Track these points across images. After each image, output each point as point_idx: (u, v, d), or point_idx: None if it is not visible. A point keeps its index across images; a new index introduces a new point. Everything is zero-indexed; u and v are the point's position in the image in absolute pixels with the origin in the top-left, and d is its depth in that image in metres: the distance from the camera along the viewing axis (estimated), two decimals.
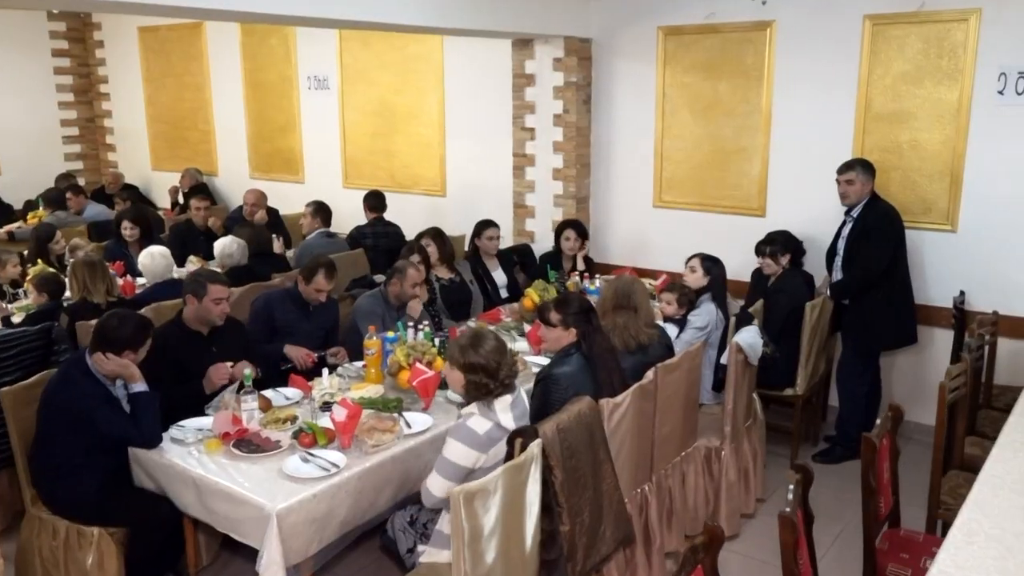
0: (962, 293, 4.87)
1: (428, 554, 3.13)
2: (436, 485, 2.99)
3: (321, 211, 6.41)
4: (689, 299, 4.53)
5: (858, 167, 4.75)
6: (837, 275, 4.89)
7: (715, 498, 4.15)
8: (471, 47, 6.72)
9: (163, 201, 9.13)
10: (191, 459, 3.24)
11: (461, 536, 2.59)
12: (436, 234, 5.55)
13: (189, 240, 6.74)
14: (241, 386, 3.58)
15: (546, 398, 3.40)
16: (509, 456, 2.97)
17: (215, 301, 3.92)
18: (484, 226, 5.82)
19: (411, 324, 4.21)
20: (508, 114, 6.48)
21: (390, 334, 4.09)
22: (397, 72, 7.25)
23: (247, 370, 3.53)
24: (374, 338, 4.00)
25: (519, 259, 6.16)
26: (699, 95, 5.79)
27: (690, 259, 4.77)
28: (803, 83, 5.37)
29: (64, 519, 3.40)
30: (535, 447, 2.87)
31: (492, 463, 3.01)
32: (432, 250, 5.31)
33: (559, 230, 5.98)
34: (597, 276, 5.58)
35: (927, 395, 5.19)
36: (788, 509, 2.48)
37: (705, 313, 4.47)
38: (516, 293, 5.95)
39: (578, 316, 3.53)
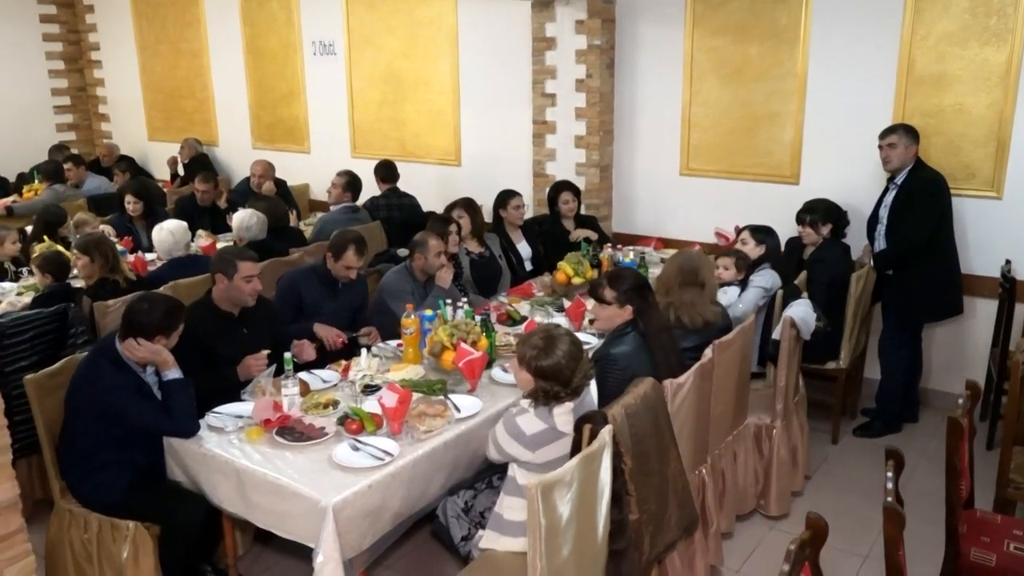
0: (1008, 262, 4.74)
1: (487, 539, 2.98)
2: (490, 448, 2.97)
3: (353, 185, 6.17)
4: (747, 264, 4.39)
5: (900, 131, 4.57)
6: (880, 244, 4.74)
7: (764, 477, 4.02)
8: (486, 9, 6.46)
9: (160, 173, 8.84)
10: (233, 449, 3.05)
11: (538, 530, 2.43)
12: (468, 204, 5.34)
13: (195, 214, 6.50)
14: (279, 370, 3.39)
15: (603, 380, 3.24)
16: (576, 443, 2.82)
17: (246, 279, 3.71)
18: (508, 196, 5.61)
19: (449, 302, 4.02)
20: (527, 80, 6.24)
21: (428, 312, 3.90)
22: (406, 36, 6.97)
23: (287, 353, 3.34)
24: (411, 316, 3.82)
25: (541, 230, 5.96)
26: (728, 59, 5.57)
27: (740, 232, 4.61)
28: (840, 45, 5.16)
29: (96, 512, 3.23)
30: (606, 434, 2.71)
31: (542, 460, 2.87)
32: (464, 222, 5.11)
33: (553, 194, 5.78)
34: (631, 248, 5.39)
35: (970, 366, 5.09)
36: (889, 499, 2.34)
37: (768, 275, 4.37)
38: (540, 266, 5.78)
39: (633, 292, 3.36)
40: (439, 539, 3.28)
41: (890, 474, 2.46)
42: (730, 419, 3.79)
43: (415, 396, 3.26)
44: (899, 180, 4.62)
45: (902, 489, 4.27)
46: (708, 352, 3.42)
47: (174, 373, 3.16)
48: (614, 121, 6.11)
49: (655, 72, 5.88)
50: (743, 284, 4.43)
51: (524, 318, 4.36)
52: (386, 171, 6.37)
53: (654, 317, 3.39)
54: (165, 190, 7.77)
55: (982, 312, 4.95)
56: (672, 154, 5.94)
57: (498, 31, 6.44)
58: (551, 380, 2.83)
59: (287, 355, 3.34)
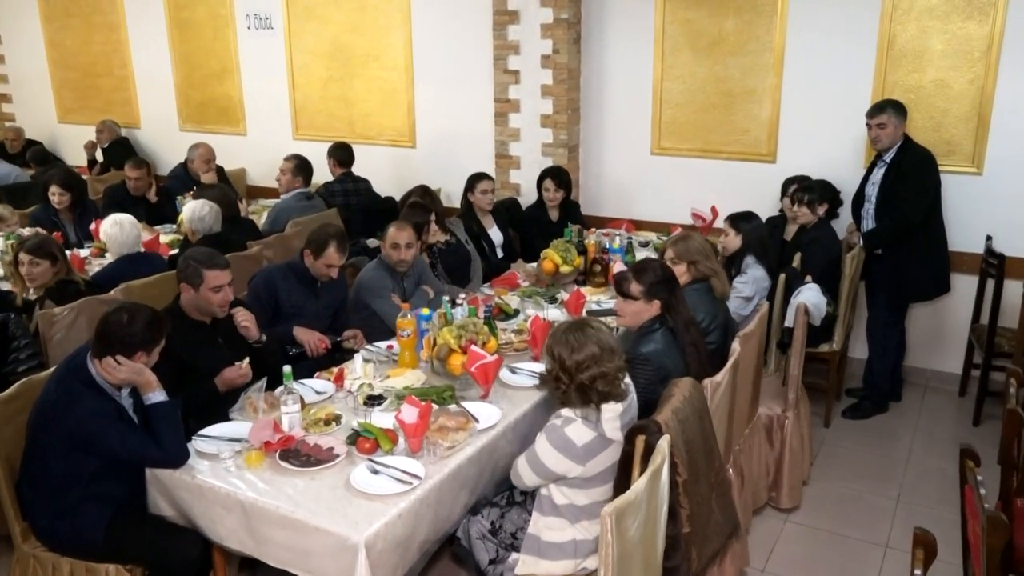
0: (989, 238, 4.74)
1: (525, 564, 2.73)
2: (526, 473, 2.69)
3: (303, 169, 5.72)
4: (734, 256, 4.18)
5: (890, 109, 4.47)
6: (868, 223, 4.65)
7: (776, 469, 3.89)
8: None
9: (73, 158, 8.11)
10: (232, 478, 2.69)
11: (611, 558, 2.19)
12: (425, 191, 5.01)
13: (127, 204, 5.92)
14: (271, 383, 3.04)
15: (634, 382, 3.00)
16: (628, 455, 2.59)
17: (213, 289, 3.29)
18: (477, 179, 5.30)
19: (447, 299, 3.71)
20: (487, 55, 5.91)
21: (424, 311, 3.58)
22: (354, 8, 6.53)
23: (286, 367, 2.97)
24: (408, 317, 3.49)
25: (510, 216, 5.69)
26: (703, 32, 5.39)
27: (715, 215, 4.41)
28: (819, 19, 5.04)
29: (68, 557, 2.82)
30: (665, 445, 2.48)
31: (592, 473, 2.65)
32: None
33: (539, 180, 5.53)
34: (617, 233, 5.16)
35: (948, 343, 5.11)
36: (988, 505, 2.19)
37: (752, 281, 4.10)
38: (512, 252, 5.52)
39: (661, 286, 3.14)
40: (461, 563, 3.01)
41: (980, 478, 2.30)
42: (747, 412, 3.64)
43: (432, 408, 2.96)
44: (888, 157, 4.54)
45: (895, 466, 4.28)
46: (736, 346, 3.24)
47: (159, 395, 2.76)
48: (581, 99, 5.86)
49: (624, 47, 5.65)
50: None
51: (516, 311, 4.09)
52: (342, 154, 5.95)
53: (682, 311, 3.17)
54: (84, 178, 7.10)
55: (961, 288, 4.94)
56: (643, 133, 5.73)
57: (456, 3, 6.08)
58: (576, 373, 2.61)
59: (287, 368, 2.98)
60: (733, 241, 4.18)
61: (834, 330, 4.51)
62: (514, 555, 2.79)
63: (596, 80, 5.79)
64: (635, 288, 3.12)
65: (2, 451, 2.82)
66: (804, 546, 3.67)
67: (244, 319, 3.43)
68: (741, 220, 4.24)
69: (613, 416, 2.64)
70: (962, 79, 4.75)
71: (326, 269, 3.86)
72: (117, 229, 4.23)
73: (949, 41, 4.74)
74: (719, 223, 5.16)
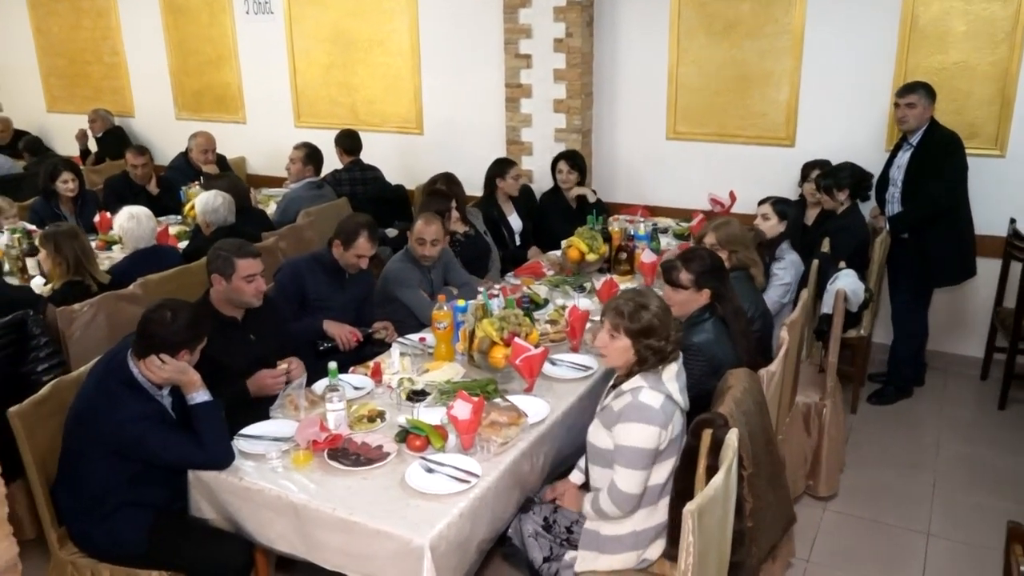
0: (1013, 221, 4.71)
1: (584, 560, 2.66)
2: (630, 481, 2.53)
3: (314, 157, 5.57)
4: (771, 243, 4.11)
5: (921, 90, 4.41)
6: (894, 207, 4.60)
7: (814, 457, 3.84)
8: None
9: (64, 148, 7.88)
10: (282, 480, 2.60)
11: (692, 557, 2.12)
12: (449, 179, 4.90)
13: (129, 195, 5.76)
14: (310, 379, 2.94)
15: (686, 373, 2.93)
16: (694, 449, 2.52)
17: (246, 279, 3.19)
18: (509, 165, 5.22)
19: (481, 290, 3.62)
20: (498, 39, 5.79)
21: (460, 303, 3.49)
22: None
23: (332, 363, 2.87)
24: (444, 308, 3.40)
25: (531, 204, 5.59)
26: (719, 14, 5.30)
27: (760, 204, 4.33)
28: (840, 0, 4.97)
29: (107, 563, 2.72)
30: (734, 438, 2.41)
31: (666, 442, 2.56)
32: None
33: (553, 163, 5.46)
34: (641, 220, 5.08)
35: (969, 327, 5.09)
36: None
37: (791, 265, 4.04)
38: (527, 240, 5.43)
39: (711, 275, 3.06)
40: (513, 563, 2.93)
41: None
42: (787, 401, 3.58)
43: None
44: (914, 140, 4.49)
45: (924, 451, 4.26)
46: (784, 334, 3.18)
47: (203, 395, 2.65)
48: (593, 83, 5.77)
49: (639, 30, 5.55)
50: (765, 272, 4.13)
51: (546, 301, 4.01)
52: (350, 142, 5.82)
53: (731, 300, 3.10)
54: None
55: (983, 272, 4.89)
56: (658, 117, 5.65)
57: None
58: (653, 335, 2.56)
59: (332, 365, 2.87)
60: (775, 227, 4.12)
61: (861, 315, 4.46)
62: (570, 553, 2.72)
63: (609, 64, 5.69)
64: (684, 277, 3.05)
65: (37, 455, 2.71)
66: (846, 535, 3.63)
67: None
68: (784, 205, 4.18)
69: (672, 376, 2.61)
70: (985, 61, 4.71)
71: (356, 260, 3.75)
72: (134, 223, 4.09)
73: (972, 22, 4.69)
74: (744, 208, 5.13)
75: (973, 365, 5.09)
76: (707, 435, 2.47)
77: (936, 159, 4.39)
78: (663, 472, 2.59)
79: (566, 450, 3.10)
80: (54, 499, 2.74)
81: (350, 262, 3.75)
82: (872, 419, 4.62)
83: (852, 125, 5.08)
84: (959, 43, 4.75)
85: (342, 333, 3.64)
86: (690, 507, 2.08)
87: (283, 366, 3.13)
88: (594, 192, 5.38)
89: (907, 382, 4.83)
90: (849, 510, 3.80)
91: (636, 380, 2.58)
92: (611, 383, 2.76)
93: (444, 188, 4.66)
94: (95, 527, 2.66)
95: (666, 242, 4.89)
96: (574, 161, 5.31)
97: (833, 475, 3.88)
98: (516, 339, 3.13)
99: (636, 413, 2.51)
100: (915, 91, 4.40)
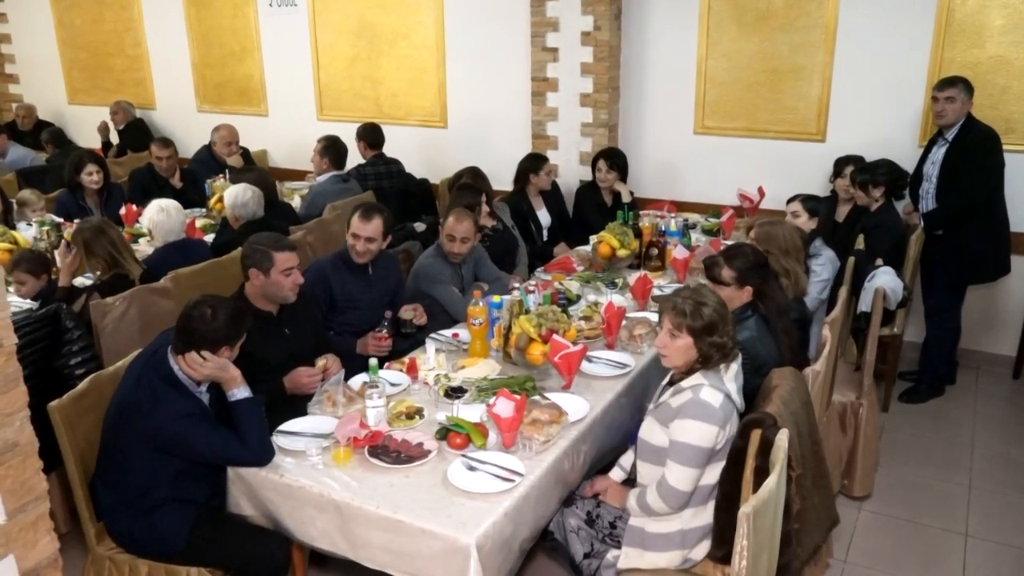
0: None
1: (628, 557, 2.63)
2: (682, 478, 2.50)
3: (333, 149, 5.55)
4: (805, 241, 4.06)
5: (960, 84, 4.35)
6: (929, 203, 4.54)
7: (849, 456, 3.80)
8: None
9: (85, 140, 7.89)
10: (323, 477, 2.57)
11: (745, 561, 2.09)
12: (475, 173, 4.87)
13: (154, 187, 5.76)
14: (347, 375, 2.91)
15: None
16: (741, 449, 2.48)
17: (284, 272, 3.16)
18: (541, 161, 5.20)
19: (516, 286, 3.58)
20: (524, 33, 5.75)
21: (496, 299, 3.46)
22: None
23: (372, 360, 2.84)
24: (479, 304, 3.37)
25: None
26: (750, 7, 5.24)
27: (789, 203, 4.27)
28: None
29: (146, 559, 2.70)
30: (784, 439, 2.37)
31: (723, 442, 2.54)
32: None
33: (593, 160, 5.42)
34: (672, 215, 5.02)
35: (1001, 325, 5.03)
36: None
37: (827, 261, 3.99)
38: (555, 235, 5.40)
39: (754, 271, 3.03)
40: (554, 557, 2.91)
41: None
42: (826, 400, 3.54)
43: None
44: (950, 135, 4.42)
45: (960, 451, 4.21)
46: (826, 332, 3.13)
47: (243, 391, 2.63)
48: (620, 77, 5.71)
49: (667, 22, 5.50)
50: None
51: (578, 297, 3.97)
52: (373, 135, 5.78)
53: (775, 297, 3.06)
54: None
55: (1016, 269, 4.83)
56: (686, 111, 5.60)
57: None
58: (715, 332, 2.52)
59: (373, 362, 2.84)
60: (806, 224, 4.06)
61: (895, 313, 4.41)
62: (613, 552, 2.69)
63: (637, 57, 5.64)
64: (727, 273, 3.01)
65: (75, 450, 2.69)
66: (883, 535, 3.59)
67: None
68: (814, 202, 4.12)
69: (732, 376, 2.57)
70: (1022, 56, 4.64)
71: (352, 240, 3.65)
72: (164, 216, 4.07)
73: (1010, 16, 4.62)
74: (772, 205, 5.08)
75: (1004, 363, 5.03)
76: (756, 435, 2.43)
77: (973, 155, 4.33)
78: (716, 472, 2.55)
79: (605, 448, 3.07)
80: (92, 494, 2.72)
81: (354, 247, 3.65)
82: (905, 417, 4.57)
83: (885, 120, 5.02)
84: (996, 37, 4.68)
85: (370, 345, 3.52)
86: (745, 510, 2.05)
87: (321, 363, 3.11)
88: (631, 193, 5.32)
89: (940, 380, 4.77)
90: (885, 510, 3.76)
91: (697, 377, 2.54)
92: (666, 380, 2.72)
93: (472, 182, 4.62)
94: (137, 523, 2.65)
95: (695, 238, 4.84)
96: (614, 160, 5.28)
97: (868, 475, 3.83)
98: (554, 336, 3.09)
99: (696, 410, 2.48)
100: (954, 85, 4.33)
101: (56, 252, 4.27)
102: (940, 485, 3.94)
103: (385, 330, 3.43)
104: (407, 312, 3.67)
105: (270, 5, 6.80)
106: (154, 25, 7.47)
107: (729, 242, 4.42)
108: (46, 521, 2.32)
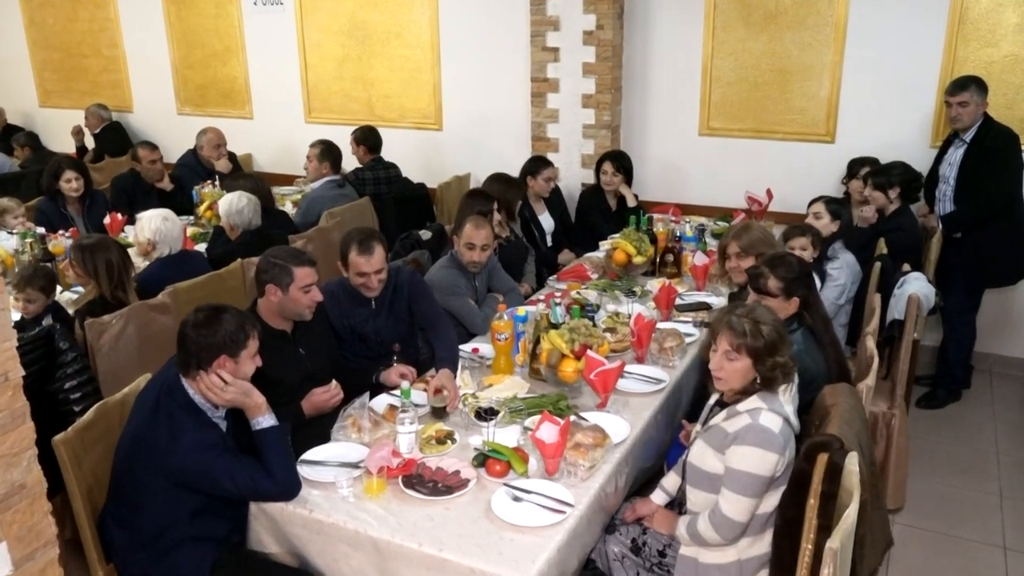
0: None
1: None
2: (738, 508, 2.34)
3: (330, 153, 5.33)
4: (823, 242, 3.93)
5: (973, 86, 4.26)
6: (946, 205, 4.45)
7: (881, 469, 3.68)
8: None
9: (59, 145, 7.56)
10: (357, 511, 2.38)
11: None
12: (509, 181, 4.70)
13: (139, 195, 5.51)
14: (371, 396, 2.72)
15: None
16: (805, 474, 2.33)
17: (303, 289, 2.95)
18: (542, 165, 5.01)
19: (539, 298, 3.41)
20: (523, 31, 5.59)
21: (520, 312, 3.29)
22: None
23: (404, 384, 2.66)
24: (504, 319, 3.20)
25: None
26: (758, 5, 5.13)
27: (811, 204, 4.15)
28: None
29: None
30: (853, 463, 2.23)
31: (782, 469, 2.39)
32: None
33: (597, 163, 5.27)
34: (688, 219, 4.88)
35: (1015, 328, 4.97)
36: None
37: (845, 265, 3.86)
38: (558, 241, 5.24)
39: (800, 282, 2.89)
40: None
41: None
42: None
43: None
44: (967, 136, 4.34)
45: (985, 459, 4.12)
46: (870, 344, 3.01)
47: (268, 419, 2.44)
48: (623, 77, 5.57)
49: (672, 21, 5.37)
50: (821, 275, 3.91)
51: (596, 307, 3.81)
52: (372, 138, 5.58)
53: (819, 308, 2.93)
54: None
55: None
56: (690, 112, 5.47)
57: None
58: (776, 352, 2.37)
59: (404, 384, 2.66)
60: (828, 226, 3.94)
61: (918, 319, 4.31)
62: None
63: (640, 57, 5.50)
64: (773, 284, 2.87)
65: (83, 485, 2.48)
66: (920, 550, 3.48)
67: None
68: (837, 204, 4.00)
69: (789, 398, 2.43)
70: None
71: (361, 279, 3.29)
72: (170, 225, 3.79)
73: None
74: (780, 207, 4.98)
75: (1018, 367, 4.98)
76: (823, 460, 2.29)
77: (992, 156, 4.25)
78: (774, 499, 2.41)
79: (642, 467, 2.92)
80: (101, 534, 2.51)
81: (358, 283, 3.31)
82: (924, 424, 4.47)
83: (896, 121, 4.94)
84: (1011, 35, 4.61)
85: (394, 376, 3.11)
86: (832, 544, 1.92)
87: (334, 383, 2.91)
88: (636, 196, 5.18)
89: (957, 384, 4.69)
90: (919, 523, 3.65)
91: (755, 400, 2.39)
92: (715, 401, 2.57)
93: (484, 188, 4.44)
94: (153, 565, 2.44)
95: (710, 243, 4.70)
96: (620, 162, 5.12)
97: (901, 486, 3.72)
98: (588, 352, 2.93)
99: (755, 437, 2.32)
100: (966, 88, 4.24)
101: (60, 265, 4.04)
102: (971, 495, 3.85)
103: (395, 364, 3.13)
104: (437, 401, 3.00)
105: (255, 4, 6.56)
106: (131, 24, 7.19)
107: None
108: (55, 568, 2.12)
